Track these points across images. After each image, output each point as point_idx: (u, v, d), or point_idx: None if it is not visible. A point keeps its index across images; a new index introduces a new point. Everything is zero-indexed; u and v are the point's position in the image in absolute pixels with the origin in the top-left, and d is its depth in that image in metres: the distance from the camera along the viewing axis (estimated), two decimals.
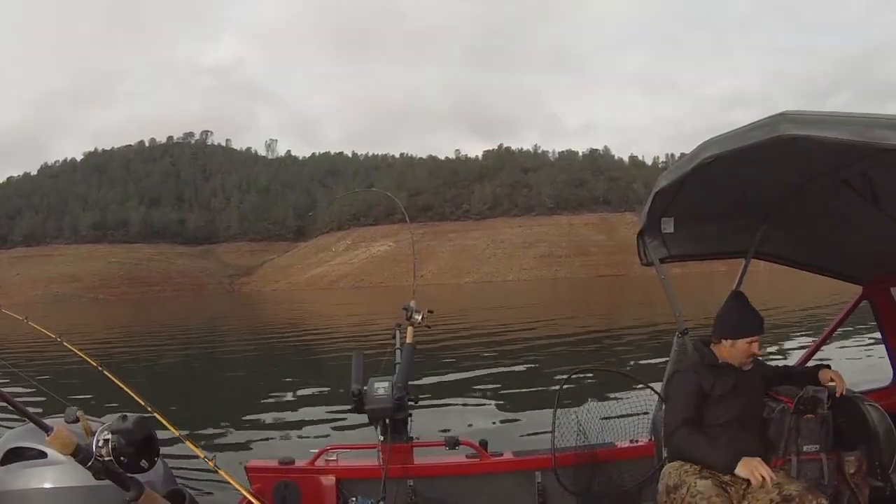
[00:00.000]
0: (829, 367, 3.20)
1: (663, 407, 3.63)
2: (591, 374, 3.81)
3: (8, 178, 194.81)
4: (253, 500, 2.67)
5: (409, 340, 3.77)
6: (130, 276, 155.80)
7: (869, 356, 10.92)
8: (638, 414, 3.95)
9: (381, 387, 3.49)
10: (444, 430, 7.47)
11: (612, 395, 4.08)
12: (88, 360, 3.23)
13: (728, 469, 2.81)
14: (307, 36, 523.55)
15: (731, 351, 3.05)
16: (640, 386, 3.91)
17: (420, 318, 3.80)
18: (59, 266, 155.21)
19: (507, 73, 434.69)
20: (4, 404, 1.67)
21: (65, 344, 3.36)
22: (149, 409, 2.75)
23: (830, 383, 3.07)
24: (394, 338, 3.88)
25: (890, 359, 4.02)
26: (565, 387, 3.77)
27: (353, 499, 3.39)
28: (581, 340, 19.06)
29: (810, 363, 3.77)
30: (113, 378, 3.05)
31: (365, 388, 3.51)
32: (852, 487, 2.98)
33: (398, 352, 3.77)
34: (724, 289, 4.00)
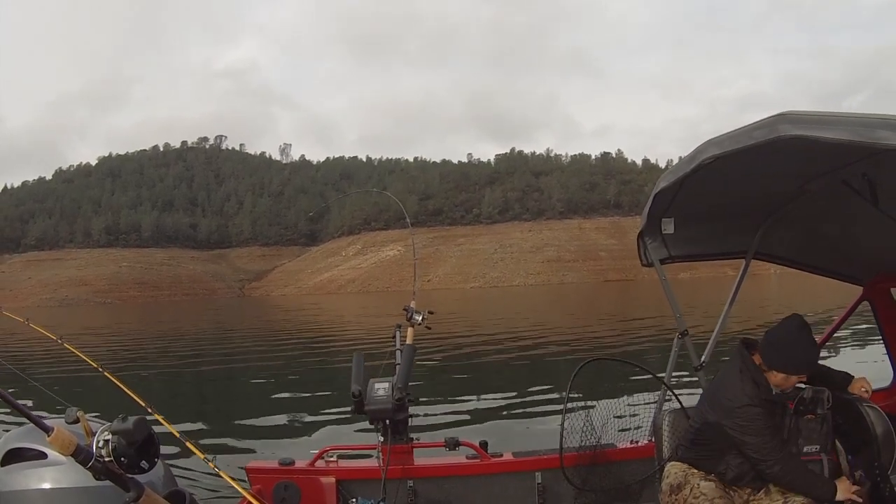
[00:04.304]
0: (853, 376, 3.15)
1: (664, 397, 3.64)
2: (592, 375, 3.77)
3: (23, 183, 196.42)
4: (253, 501, 2.68)
5: (409, 341, 3.77)
6: (141, 280, 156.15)
7: (869, 357, 10.82)
8: (639, 415, 3.94)
9: (381, 388, 3.50)
10: (445, 431, 7.45)
11: (612, 398, 4.06)
12: (89, 360, 3.24)
13: (831, 498, 2.71)
14: (324, 39, 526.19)
15: (782, 381, 2.87)
16: (648, 376, 3.91)
17: (420, 318, 3.81)
18: (70, 270, 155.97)
19: (524, 75, 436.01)
20: (5, 405, 1.70)
21: (65, 345, 3.38)
22: (149, 410, 2.77)
23: (865, 393, 3.05)
24: (394, 338, 3.88)
25: (890, 359, 4.00)
26: (572, 385, 3.75)
27: (354, 500, 3.41)
28: (580, 343, 19.04)
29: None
30: (113, 379, 3.06)
31: (365, 388, 3.52)
32: None
33: (398, 353, 3.77)
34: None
